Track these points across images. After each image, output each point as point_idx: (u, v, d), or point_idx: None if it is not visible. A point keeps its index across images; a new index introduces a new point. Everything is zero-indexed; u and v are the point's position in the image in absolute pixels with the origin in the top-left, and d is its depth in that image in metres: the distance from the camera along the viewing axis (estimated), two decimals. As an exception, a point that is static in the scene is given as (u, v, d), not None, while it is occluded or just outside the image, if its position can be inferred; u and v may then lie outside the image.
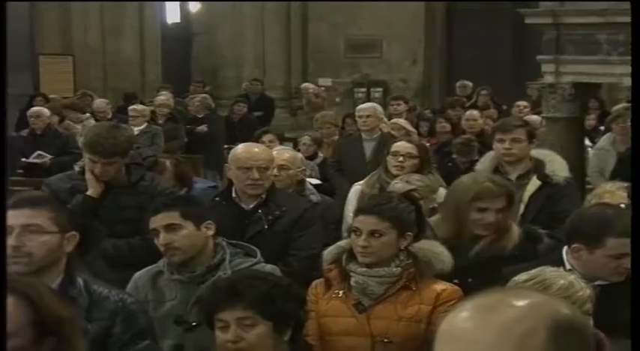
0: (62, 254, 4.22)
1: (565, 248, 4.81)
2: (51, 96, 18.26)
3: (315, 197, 7.77)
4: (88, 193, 6.56)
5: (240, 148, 6.62)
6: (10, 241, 4.10)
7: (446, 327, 2.14)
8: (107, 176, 6.64)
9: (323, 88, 20.58)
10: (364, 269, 4.91)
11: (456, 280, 5.24)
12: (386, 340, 4.81)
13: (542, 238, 5.75)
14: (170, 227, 5.00)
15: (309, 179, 8.25)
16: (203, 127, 15.69)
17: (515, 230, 5.72)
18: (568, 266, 4.69)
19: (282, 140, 10.65)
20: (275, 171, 6.78)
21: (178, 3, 28.01)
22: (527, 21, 12.25)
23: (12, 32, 25.13)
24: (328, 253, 5.19)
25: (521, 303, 2.13)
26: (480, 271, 5.23)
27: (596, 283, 4.36)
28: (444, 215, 5.77)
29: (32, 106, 15.18)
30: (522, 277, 4.09)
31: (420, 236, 5.17)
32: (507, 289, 2.35)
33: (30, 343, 3.16)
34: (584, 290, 3.96)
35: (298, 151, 9.94)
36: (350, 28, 24.72)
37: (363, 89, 24.34)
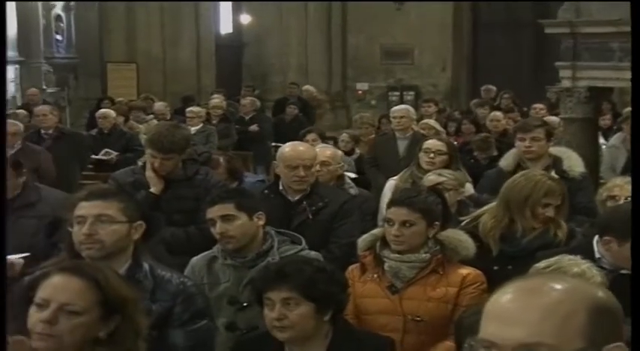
0: (130, 242, 4.25)
1: (596, 238, 4.81)
2: (117, 99, 18.36)
3: (354, 190, 7.78)
4: (151, 190, 6.60)
5: (288, 148, 6.63)
6: (84, 229, 4.17)
7: (491, 307, 2.15)
8: (165, 170, 6.67)
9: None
10: (397, 255, 4.94)
11: (496, 267, 5.29)
12: (416, 319, 4.83)
13: (577, 234, 5.75)
14: (226, 218, 5.01)
15: (347, 173, 8.25)
16: (254, 127, 15.75)
17: (564, 225, 5.65)
18: (597, 255, 4.69)
19: (323, 138, 10.65)
20: (317, 167, 6.78)
21: (231, 15, 28.11)
22: (547, 31, 12.22)
23: (83, 43, 25.46)
24: (362, 240, 5.21)
25: (562, 287, 2.13)
26: (523, 259, 5.17)
27: (622, 271, 4.35)
28: (506, 206, 5.70)
29: (100, 108, 15.26)
30: (541, 264, 4.11)
31: (446, 226, 5.20)
32: (549, 274, 2.35)
33: (97, 321, 3.19)
34: (596, 277, 3.97)
35: (337, 147, 10.01)
36: (385, 38, 24.72)
37: (397, 93, 24.32)
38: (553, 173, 6.92)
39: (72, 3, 25.86)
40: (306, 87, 21.12)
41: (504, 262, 5.32)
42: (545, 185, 5.60)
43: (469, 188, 7.13)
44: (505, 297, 2.15)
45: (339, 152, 8.29)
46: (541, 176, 5.79)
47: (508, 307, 2.12)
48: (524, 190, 5.64)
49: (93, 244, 4.16)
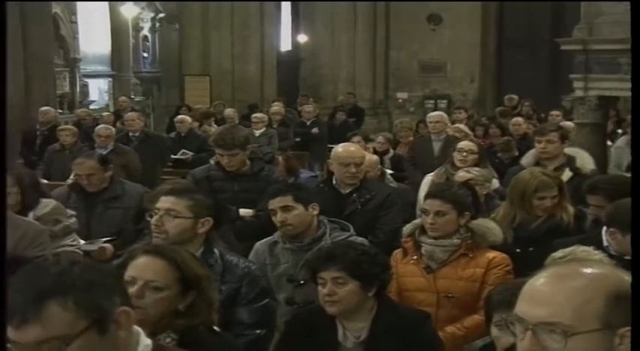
0: (195, 235, 4.27)
1: (604, 229, 4.78)
2: (193, 107, 18.47)
3: (394, 184, 7.79)
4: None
5: (341, 148, 6.64)
6: (153, 219, 4.25)
7: (528, 288, 2.14)
8: (233, 166, 6.70)
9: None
10: (432, 241, 4.93)
11: (518, 250, 5.27)
12: (448, 296, 4.81)
13: (588, 217, 5.75)
14: (285, 208, 5.02)
15: (385, 170, 8.29)
16: (315, 129, 15.78)
17: (571, 210, 5.70)
18: (605, 243, 4.66)
19: (367, 141, 10.73)
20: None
21: (290, 35, 28.20)
22: (563, 48, 12.19)
23: (165, 59, 25.60)
24: (406, 228, 5.21)
25: (588, 274, 2.11)
26: (538, 242, 5.25)
27: (626, 257, 4.30)
28: (511, 200, 5.75)
29: (178, 114, 15.35)
30: (558, 254, 4.08)
31: (475, 215, 5.18)
32: (582, 262, 2.33)
33: (176, 295, 3.22)
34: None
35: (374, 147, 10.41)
36: (422, 54, 24.76)
37: (432, 101, 24.31)
38: (567, 170, 6.95)
39: (157, 25, 26.05)
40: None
41: (525, 245, 5.36)
42: (536, 181, 5.64)
43: (495, 183, 7.12)
44: (539, 280, 2.14)
45: (375, 157, 8.33)
46: (534, 173, 5.83)
47: (538, 289, 2.12)
48: (519, 187, 5.71)
49: (159, 233, 4.24)
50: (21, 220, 5.36)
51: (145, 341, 2.34)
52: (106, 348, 2.22)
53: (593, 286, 2.06)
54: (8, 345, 2.17)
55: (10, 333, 2.14)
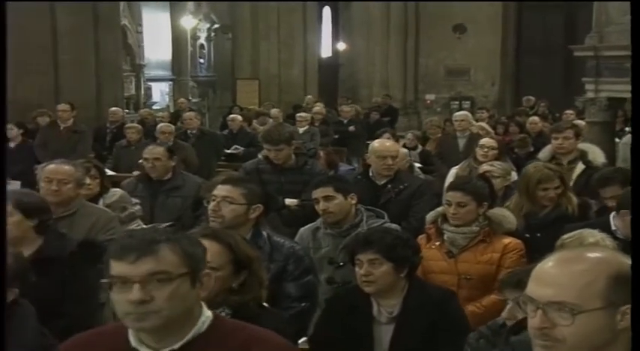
0: (247, 220, 4.30)
1: (612, 214, 4.76)
2: (244, 107, 18.51)
3: (422, 176, 7.79)
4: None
5: (377, 143, 6.66)
6: (211, 205, 4.27)
7: (538, 270, 2.13)
8: (280, 160, 6.71)
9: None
10: (453, 228, 4.93)
11: (527, 235, 5.24)
12: (468, 277, 4.80)
13: (592, 205, 5.74)
14: (327, 198, 5.02)
15: (414, 163, 8.30)
16: (352, 128, 15.77)
17: (575, 199, 5.69)
18: (613, 228, 4.65)
19: (395, 137, 10.77)
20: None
21: (330, 43, 28.23)
22: (576, 54, 12.10)
23: (219, 65, 25.71)
24: (429, 216, 5.22)
25: (591, 258, 2.11)
26: (546, 229, 5.26)
27: None
28: (519, 192, 5.75)
29: (231, 113, 15.40)
30: (565, 236, 4.11)
31: (492, 205, 5.16)
32: (587, 247, 2.32)
33: (230, 275, 3.24)
34: (607, 242, 3.98)
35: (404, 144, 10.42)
36: (448, 60, 24.66)
37: (457, 102, 24.16)
38: (580, 163, 6.94)
39: (213, 34, 26.15)
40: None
41: (534, 231, 5.33)
42: (539, 174, 5.63)
43: (514, 176, 7.07)
44: (547, 264, 2.13)
45: (404, 150, 8.34)
46: (537, 167, 5.84)
47: (546, 271, 2.11)
48: (524, 180, 5.73)
49: (216, 217, 4.26)
50: (93, 207, 5.41)
51: (207, 313, 2.36)
52: (189, 300, 2.28)
53: (596, 269, 2.05)
54: (109, 279, 2.25)
55: (120, 268, 2.22)
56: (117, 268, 2.23)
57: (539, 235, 5.29)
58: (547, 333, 2.04)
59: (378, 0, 24.03)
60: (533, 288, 2.11)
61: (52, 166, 5.21)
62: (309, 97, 16.11)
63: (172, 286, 2.23)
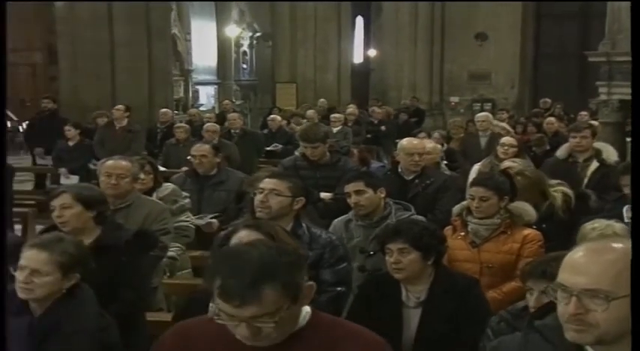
0: (291, 210, 4.28)
1: (626, 207, 4.72)
2: (283, 108, 18.53)
3: (447, 172, 7.75)
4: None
5: (406, 141, 6.63)
6: (260, 197, 4.23)
7: (568, 260, 2.11)
8: (315, 156, 6.70)
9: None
10: (477, 220, 4.90)
11: (534, 226, 5.21)
12: (490, 266, 4.77)
13: (591, 196, 5.69)
14: (358, 192, 5.01)
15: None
16: (383, 127, 15.74)
17: (571, 194, 5.66)
18: (626, 220, 4.60)
19: (429, 136, 10.77)
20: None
21: (362, 49, 28.19)
22: (590, 59, 12.02)
23: (260, 70, 25.77)
24: (455, 209, 5.21)
25: (619, 248, 2.08)
26: (545, 221, 5.30)
27: None
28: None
29: (270, 114, 15.42)
30: (587, 225, 4.14)
31: (513, 199, 5.12)
32: (612, 238, 2.30)
33: None
34: (618, 227, 4.03)
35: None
36: (471, 65, 24.55)
37: (479, 104, 24.00)
38: (595, 161, 6.89)
39: (254, 42, 26.23)
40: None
41: (540, 223, 5.24)
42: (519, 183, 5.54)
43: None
44: (577, 253, 2.11)
45: (438, 146, 8.28)
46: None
47: (578, 261, 2.09)
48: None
49: (264, 208, 4.23)
50: (147, 199, 5.44)
51: (307, 309, 2.31)
52: (294, 314, 2.24)
53: (625, 259, 2.02)
54: (220, 315, 2.19)
55: (227, 308, 2.16)
56: (223, 306, 2.18)
57: (544, 226, 5.25)
58: (581, 318, 2.02)
59: (406, 0, 23.93)
60: (565, 277, 2.08)
61: (110, 162, 5.25)
62: (350, 107, 16.14)
63: (277, 316, 2.17)
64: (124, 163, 5.25)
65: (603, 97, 11.28)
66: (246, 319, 2.15)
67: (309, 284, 2.27)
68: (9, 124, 22.94)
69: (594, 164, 6.94)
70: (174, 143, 11.18)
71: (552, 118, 13.51)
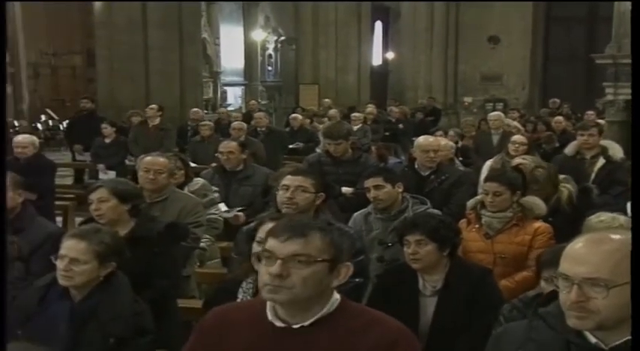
0: (313, 205, 4.26)
1: (629, 203, 4.68)
2: (305, 108, 18.51)
3: (462, 168, 7.71)
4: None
5: (422, 139, 6.59)
6: (287, 194, 4.21)
7: (569, 251, 2.09)
8: (338, 153, 6.68)
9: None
10: (490, 213, 4.87)
11: (550, 219, 5.18)
12: (502, 256, 4.75)
13: (593, 190, 5.66)
14: (377, 187, 4.99)
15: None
16: (401, 126, 15.71)
17: (566, 192, 5.61)
18: (629, 214, 4.54)
19: (446, 134, 10.73)
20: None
21: (381, 52, 28.14)
22: (597, 61, 11.94)
23: (285, 71, 25.82)
24: (469, 203, 5.18)
25: (618, 239, 2.06)
26: (553, 214, 5.23)
27: None
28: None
29: (294, 113, 15.42)
30: (592, 217, 4.10)
31: (525, 193, 5.09)
32: (611, 229, 2.28)
33: None
34: (622, 219, 4.00)
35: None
36: (484, 67, 24.46)
37: (491, 104, 23.84)
38: (602, 158, 6.83)
39: (279, 45, 26.28)
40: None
41: (548, 216, 5.16)
42: (532, 176, 5.51)
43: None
44: (578, 244, 2.09)
45: (451, 142, 8.25)
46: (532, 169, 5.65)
47: (578, 251, 2.07)
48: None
49: (291, 204, 4.20)
50: (182, 194, 5.44)
51: (336, 296, 2.31)
52: (322, 284, 2.23)
53: (623, 249, 2.01)
54: (261, 252, 2.25)
55: (272, 243, 2.22)
56: (270, 243, 2.23)
57: (550, 219, 5.18)
58: (582, 306, 2.02)
59: (423, 0, 23.86)
60: (566, 266, 2.07)
61: (149, 158, 5.25)
62: (369, 106, 16.10)
63: (310, 268, 2.19)
64: (161, 159, 5.26)
65: (610, 97, 11.21)
66: (285, 255, 2.18)
67: (346, 264, 2.29)
68: (50, 122, 23.14)
69: (601, 161, 6.88)
70: (200, 140, 11.22)
71: (560, 117, 13.45)
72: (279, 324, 2.25)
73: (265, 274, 2.20)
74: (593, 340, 2.09)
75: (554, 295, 2.22)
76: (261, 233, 3.20)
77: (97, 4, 16.44)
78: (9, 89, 22.19)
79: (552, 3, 24.21)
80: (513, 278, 4.66)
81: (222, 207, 6.35)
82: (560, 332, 2.13)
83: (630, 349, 2.01)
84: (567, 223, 4.98)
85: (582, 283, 2.02)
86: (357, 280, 4.14)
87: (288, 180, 4.26)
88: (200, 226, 5.24)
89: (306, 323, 2.23)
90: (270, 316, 2.27)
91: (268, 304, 2.28)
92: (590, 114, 14.52)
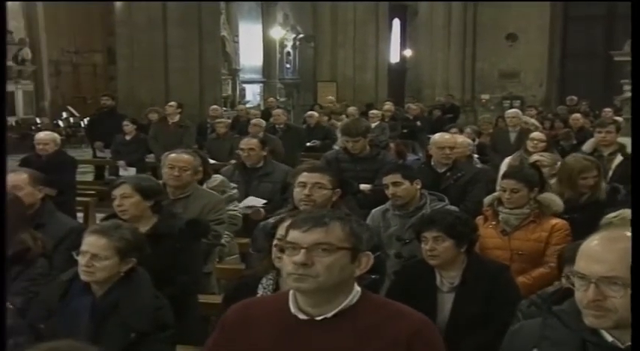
0: (330, 201, 4.24)
1: None
2: (324, 105, 18.50)
3: (479, 165, 7.68)
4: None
5: (437, 136, 6.57)
6: (305, 191, 4.20)
7: (584, 248, 2.08)
8: (356, 150, 6.67)
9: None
10: (507, 210, 4.87)
11: (566, 216, 5.15)
12: (519, 253, 4.75)
13: (620, 190, 5.61)
14: (395, 183, 4.97)
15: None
16: (418, 123, 15.68)
17: (604, 186, 5.58)
18: None
19: (461, 132, 10.66)
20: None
21: (398, 50, 28.06)
22: (615, 59, 11.89)
23: (303, 69, 25.84)
24: (487, 200, 5.16)
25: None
26: (583, 210, 5.16)
27: None
28: (560, 180, 5.60)
29: (311, 110, 15.41)
30: (611, 214, 4.02)
31: (542, 190, 5.08)
32: (626, 227, 2.30)
33: None
34: None
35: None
36: (501, 64, 24.46)
37: (508, 101, 23.80)
38: (619, 155, 6.78)
39: (298, 43, 26.29)
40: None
41: (573, 212, 5.15)
42: (579, 165, 5.47)
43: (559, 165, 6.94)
44: (593, 242, 2.07)
45: (468, 140, 8.22)
46: (577, 158, 5.64)
47: (595, 249, 2.05)
48: (566, 170, 5.55)
49: (309, 202, 4.19)
50: (205, 191, 5.44)
51: (357, 288, 2.33)
52: (345, 273, 2.26)
53: None
54: (284, 244, 2.29)
55: (294, 234, 2.26)
56: (292, 234, 2.26)
57: (576, 215, 5.15)
58: (600, 304, 2.00)
59: (441, 0, 23.81)
60: (583, 265, 2.05)
61: (174, 155, 5.24)
62: (387, 104, 16.08)
63: (333, 257, 2.22)
64: (186, 156, 5.26)
65: (628, 94, 11.17)
66: (308, 244, 2.21)
67: (366, 253, 2.32)
68: (71, 119, 23.28)
69: (618, 158, 6.86)
70: (215, 138, 11.24)
71: (578, 114, 13.39)
72: (302, 316, 2.26)
73: (290, 263, 2.23)
74: (609, 338, 2.07)
75: (568, 293, 2.21)
76: (281, 230, 3.21)
77: (118, 2, 16.52)
78: (31, 86, 22.41)
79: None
80: (530, 275, 4.65)
81: (251, 201, 6.36)
82: (575, 330, 2.12)
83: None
84: (591, 220, 4.96)
85: (599, 282, 2.00)
86: (373, 276, 4.15)
87: (305, 177, 4.25)
88: (222, 224, 5.25)
89: (329, 315, 2.25)
90: (292, 309, 2.28)
91: (291, 296, 2.30)
92: (608, 111, 14.43)
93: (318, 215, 2.29)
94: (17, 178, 4.52)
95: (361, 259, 2.30)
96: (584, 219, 4.50)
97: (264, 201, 6.41)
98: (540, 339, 2.21)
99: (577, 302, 2.06)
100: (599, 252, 2.03)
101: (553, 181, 5.88)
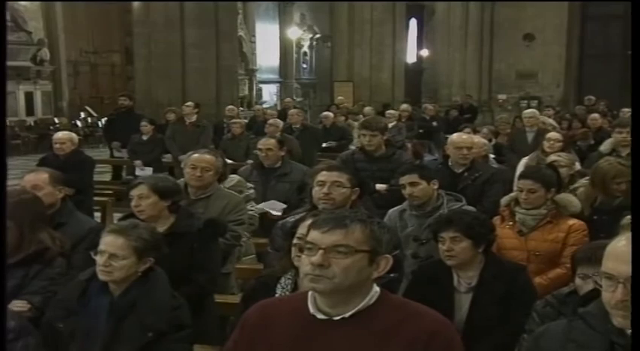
0: (349, 200, 4.23)
1: None
2: (340, 105, 18.49)
3: (496, 165, 7.65)
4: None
5: (455, 136, 6.55)
6: (324, 190, 4.19)
7: (611, 250, 2.06)
8: (372, 146, 6.64)
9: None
10: (524, 210, 4.83)
11: (595, 217, 5.13)
12: (536, 253, 4.71)
13: None
14: (412, 183, 4.96)
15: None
16: (435, 123, 15.66)
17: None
18: None
19: (475, 132, 10.59)
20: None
21: (415, 50, 28.01)
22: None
23: (319, 69, 25.76)
24: (503, 200, 5.13)
25: None
26: (613, 213, 5.02)
27: None
28: (592, 184, 5.52)
29: (328, 110, 15.40)
30: (629, 216, 3.95)
31: (559, 191, 5.05)
32: None
33: None
34: None
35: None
36: (518, 65, 24.39)
37: (526, 101, 23.72)
38: (639, 156, 6.71)
39: (314, 43, 26.29)
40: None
41: (601, 214, 5.14)
42: (613, 170, 5.37)
43: (577, 165, 6.88)
44: (620, 243, 2.05)
45: (484, 140, 8.19)
46: (612, 163, 5.56)
47: (622, 250, 2.03)
48: (600, 174, 5.43)
49: (328, 200, 4.17)
50: (225, 191, 5.43)
51: (376, 288, 2.32)
52: (362, 275, 2.25)
53: None
54: (304, 243, 2.29)
55: (314, 235, 2.25)
56: (312, 234, 2.25)
57: (604, 217, 5.10)
58: (628, 305, 1.98)
59: (458, 0, 23.74)
60: (610, 265, 2.04)
61: (196, 156, 5.22)
62: (403, 104, 16.05)
63: (350, 259, 2.21)
64: (208, 157, 5.25)
65: (646, 94, 11.06)
66: (326, 245, 2.20)
67: (385, 256, 2.30)
68: (89, 119, 23.41)
69: (638, 158, 6.79)
70: (231, 138, 11.26)
71: (596, 114, 13.28)
72: (320, 316, 2.26)
73: (307, 264, 2.23)
74: None
75: (593, 295, 2.19)
76: (301, 229, 3.21)
77: (136, 2, 16.59)
78: (49, 87, 22.55)
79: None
80: (547, 275, 4.63)
81: (271, 205, 6.36)
82: (602, 332, 2.10)
83: None
84: (612, 222, 4.92)
85: (627, 282, 1.98)
86: (391, 275, 4.13)
87: (324, 176, 4.24)
88: (241, 224, 5.24)
89: (347, 315, 2.24)
90: (311, 308, 2.28)
91: (310, 296, 2.30)
92: (627, 111, 14.31)
93: (340, 216, 2.28)
94: (37, 177, 4.54)
95: (380, 262, 2.29)
96: (611, 221, 4.45)
97: (285, 205, 6.40)
98: (566, 341, 2.20)
99: (605, 303, 2.05)
100: (626, 252, 2.01)
101: (578, 184, 5.84)
